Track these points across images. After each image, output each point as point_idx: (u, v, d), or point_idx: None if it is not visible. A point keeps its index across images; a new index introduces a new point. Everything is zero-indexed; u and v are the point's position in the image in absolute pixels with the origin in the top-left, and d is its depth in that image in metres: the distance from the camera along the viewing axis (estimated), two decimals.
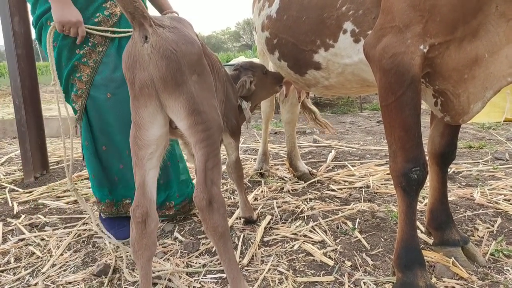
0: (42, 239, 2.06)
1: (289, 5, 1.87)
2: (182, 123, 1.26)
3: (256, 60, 8.84)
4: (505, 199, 2.31)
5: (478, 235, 1.88)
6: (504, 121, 4.88)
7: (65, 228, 2.20)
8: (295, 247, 1.84)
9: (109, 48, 1.89)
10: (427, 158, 1.49)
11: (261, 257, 1.77)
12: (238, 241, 1.92)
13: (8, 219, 2.33)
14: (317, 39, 1.74)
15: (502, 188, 2.50)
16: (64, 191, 2.84)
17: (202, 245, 1.91)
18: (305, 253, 1.79)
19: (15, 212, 2.44)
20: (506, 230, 1.93)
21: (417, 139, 1.38)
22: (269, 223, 2.12)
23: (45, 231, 2.16)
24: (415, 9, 1.29)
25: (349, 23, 1.59)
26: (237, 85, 1.97)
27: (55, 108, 9.01)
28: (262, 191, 2.66)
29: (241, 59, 9.52)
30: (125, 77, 1.27)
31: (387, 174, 2.88)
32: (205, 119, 1.27)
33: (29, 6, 1.96)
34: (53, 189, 2.89)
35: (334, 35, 1.65)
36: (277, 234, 1.99)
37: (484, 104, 1.34)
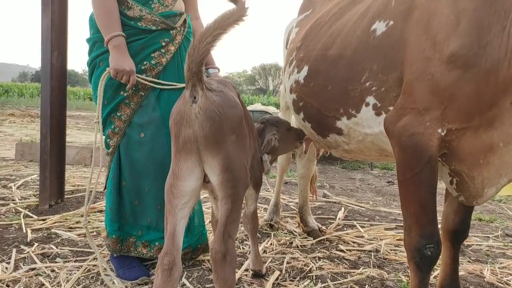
0: (53, 271, 2.09)
1: (317, 74, 2.00)
2: (216, 179, 1.36)
3: (271, 108, 9.01)
4: None
5: None
6: None
7: (75, 261, 2.23)
8: None
9: (150, 93, 2.05)
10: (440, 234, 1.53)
11: None
12: None
13: (22, 246, 2.38)
14: (341, 107, 1.85)
15: None
16: (77, 222, 2.89)
17: None
18: None
19: (28, 239, 2.49)
20: None
21: (432, 215, 1.44)
22: (277, 279, 2.13)
23: (56, 262, 2.20)
24: (435, 96, 1.40)
25: (371, 98, 1.69)
26: (264, 141, 2.08)
27: (71, 134, 9.32)
28: (271, 244, 2.68)
29: (257, 106, 9.77)
30: (171, 131, 1.40)
31: (397, 240, 2.87)
32: (235, 177, 1.37)
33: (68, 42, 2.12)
34: (66, 219, 2.95)
35: (357, 106, 1.76)
36: None
37: (498, 190, 1.40)
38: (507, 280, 2.27)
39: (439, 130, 1.41)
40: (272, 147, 2.12)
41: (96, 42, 2.05)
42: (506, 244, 2.96)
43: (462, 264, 2.47)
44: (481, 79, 1.32)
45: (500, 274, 2.36)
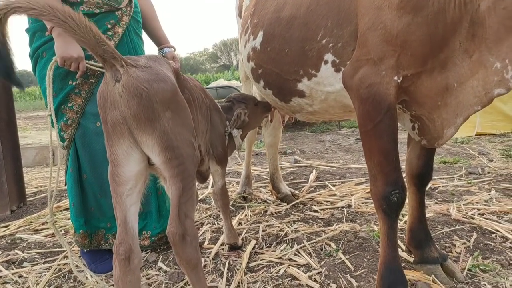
0: (20, 276, 1.99)
1: (272, 38, 1.94)
2: (157, 159, 1.29)
3: (234, 83, 8.91)
4: (479, 214, 2.41)
5: (455, 251, 1.95)
6: (475, 135, 5.10)
7: (44, 263, 2.13)
8: (281, 272, 1.86)
9: (101, 79, 1.91)
10: (405, 180, 1.56)
11: (247, 283, 1.78)
12: (224, 268, 1.91)
13: None
14: (300, 69, 1.81)
15: (476, 203, 2.61)
16: (43, 224, 2.76)
17: (186, 274, 1.89)
18: (291, 278, 1.80)
19: None
20: (481, 244, 2.01)
21: (395, 163, 1.45)
22: (254, 248, 2.13)
23: (23, 267, 2.09)
24: (388, 44, 1.38)
25: (329, 55, 1.66)
26: (233, 117, 2.05)
27: (30, 136, 8.86)
28: (246, 215, 2.67)
29: (220, 81, 9.61)
30: (100, 117, 1.29)
31: (367, 192, 2.95)
32: (179, 154, 1.30)
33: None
34: (30, 222, 2.81)
35: (316, 66, 1.73)
36: (262, 259, 2.00)
37: (456, 129, 1.43)
38: (471, 214, 2.39)
39: (395, 78, 1.41)
40: (242, 122, 2.10)
41: (36, 32, 1.88)
42: (469, 181, 3.11)
43: (430, 206, 2.57)
44: (430, 22, 1.32)
45: (465, 210, 2.48)
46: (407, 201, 1.63)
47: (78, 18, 1.14)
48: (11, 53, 1.26)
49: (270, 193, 3.12)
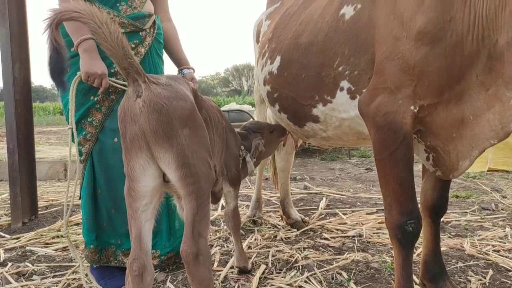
0: None
1: (289, 63, 2.00)
2: (173, 175, 1.30)
3: (246, 107, 9.02)
4: (494, 250, 2.35)
5: (471, 287, 1.90)
6: (487, 170, 5.04)
7: (53, 277, 2.13)
8: None
9: (121, 96, 1.97)
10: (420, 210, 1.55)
11: None
12: None
13: None
14: (316, 95, 1.85)
15: (491, 239, 2.55)
16: (53, 237, 2.77)
17: None
18: None
19: (1, 260, 2.36)
20: (498, 282, 1.96)
21: (411, 192, 1.45)
22: (263, 273, 2.11)
23: (32, 280, 2.09)
24: (405, 74, 1.41)
25: (345, 82, 1.70)
26: (252, 149, 2.09)
27: (43, 150, 9.00)
28: (255, 239, 2.65)
29: (232, 105, 9.75)
30: (120, 131, 1.33)
31: (379, 223, 2.91)
32: (194, 172, 1.31)
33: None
34: (41, 235, 2.82)
35: (332, 92, 1.76)
36: (272, 285, 1.97)
37: (471, 162, 1.43)
38: (486, 250, 2.34)
39: (412, 107, 1.43)
40: (261, 152, 2.14)
41: None
42: (482, 217, 3.05)
43: (443, 240, 2.52)
44: (448, 54, 1.35)
45: (480, 245, 2.43)
46: (421, 233, 1.61)
47: (113, 27, 1.19)
48: (64, 58, 1.34)
49: (280, 218, 3.10)
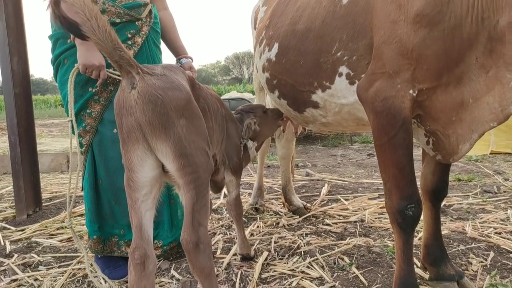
0: (36, 279, 2.02)
1: (287, 50, 1.98)
2: (171, 165, 1.31)
3: (247, 95, 9.01)
4: (496, 232, 2.36)
5: (472, 269, 1.92)
6: (490, 153, 5.03)
7: (59, 267, 2.16)
8: (293, 284, 1.85)
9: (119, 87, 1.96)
10: (420, 194, 1.55)
11: None
12: (236, 279, 1.91)
13: (1, 259, 2.29)
14: (315, 81, 1.83)
15: (493, 221, 2.56)
16: (58, 229, 2.81)
17: (199, 283, 1.90)
18: None
19: (7, 252, 2.40)
20: (499, 263, 1.97)
21: (410, 177, 1.45)
22: (266, 259, 2.13)
23: (38, 270, 2.13)
24: (403, 58, 1.39)
25: (344, 67, 1.68)
26: (243, 128, 2.06)
27: (45, 142, 9.03)
28: (258, 226, 2.67)
29: (233, 93, 9.71)
30: (116, 123, 1.33)
31: (381, 208, 2.92)
32: (192, 162, 1.31)
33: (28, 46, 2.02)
34: (46, 227, 2.86)
35: (331, 78, 1.75)
36: (274, 271, 1.99)
37: (471, 145, 1.42)
38: (488, 233, 2.35)
39: (411, 91, 1.42)
40: (254, 131, 2.10)
41: (59, 39, 1.95)
42: (484, 199, 3.06)
43: (445, 223, 2.53)
44: (446, 36, 1.33)
45: (481, 228, 2.44)
46: (422, 216, 1.62)
47: (101, 21, 1.18)
48: (73, 23, 1.35)
49: (282, 205, 3.12)
